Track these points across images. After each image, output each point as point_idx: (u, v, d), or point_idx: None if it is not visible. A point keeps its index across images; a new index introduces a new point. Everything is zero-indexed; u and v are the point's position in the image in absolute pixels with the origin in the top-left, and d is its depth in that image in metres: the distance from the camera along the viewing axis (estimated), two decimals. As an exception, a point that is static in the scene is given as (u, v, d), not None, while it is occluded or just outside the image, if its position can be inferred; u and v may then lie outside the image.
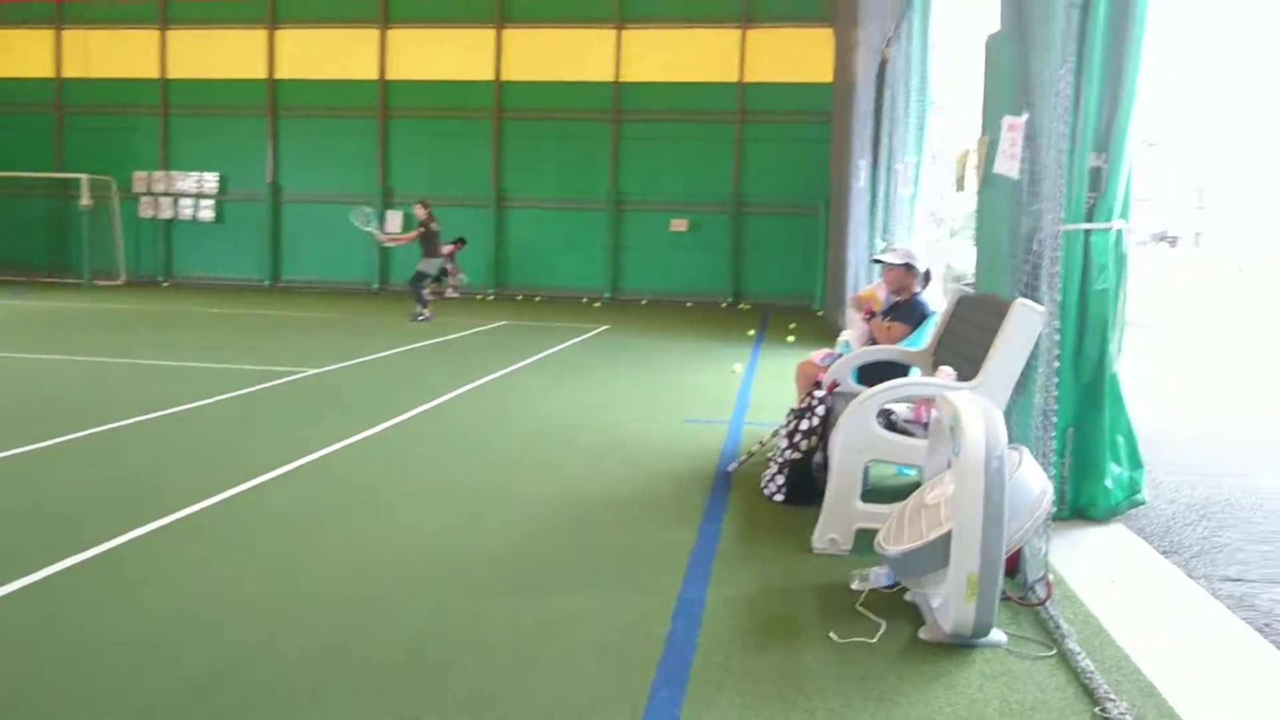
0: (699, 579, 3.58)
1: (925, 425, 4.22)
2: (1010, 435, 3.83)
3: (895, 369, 5.17)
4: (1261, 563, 4.03)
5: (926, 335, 5.19)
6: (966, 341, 4.37)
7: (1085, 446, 4.30)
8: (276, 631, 3.03)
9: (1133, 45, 4.00)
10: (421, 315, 14.13)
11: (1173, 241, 47.18)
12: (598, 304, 19.54)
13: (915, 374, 5.10)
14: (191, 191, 22.66)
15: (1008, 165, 4.19)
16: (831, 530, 3.85)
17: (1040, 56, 4.10)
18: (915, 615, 3.22)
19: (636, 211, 21.34)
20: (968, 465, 2.85)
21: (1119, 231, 4.27)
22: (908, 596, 3.33)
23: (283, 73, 22.12)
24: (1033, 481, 3.05)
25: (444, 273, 18.93)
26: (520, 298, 20.59)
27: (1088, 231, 4.19)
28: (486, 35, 21.42)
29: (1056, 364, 3.59)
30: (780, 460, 4.62)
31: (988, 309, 4.23)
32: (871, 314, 5.43)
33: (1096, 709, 2.58)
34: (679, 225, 21.12)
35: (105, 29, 22.46)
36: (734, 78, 20.75)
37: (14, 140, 22.51)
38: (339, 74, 21.84)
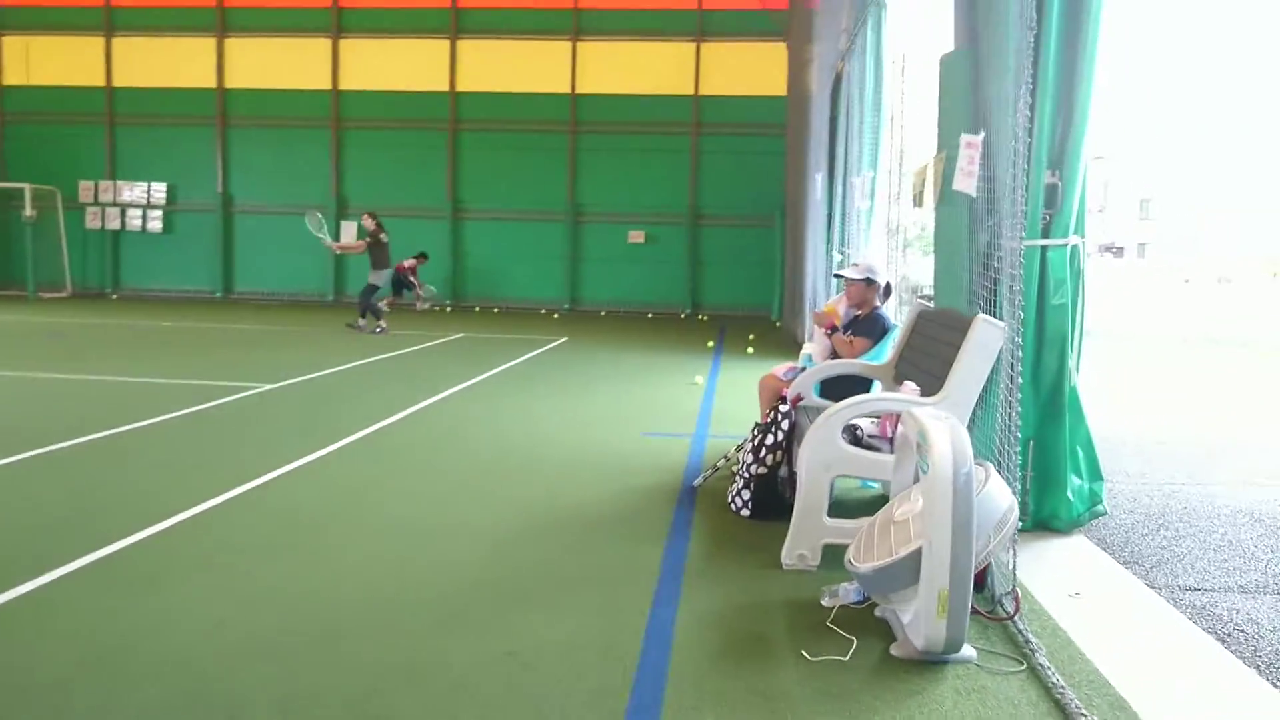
0: (668, 599, 3.56)
1: (891, 440, 4.24)
2: (973, 450, 3.88)
3: (858, 383, 5.21)
4: (1219, 572, 4.10)
5: (888, 349, 5.23)
6: (928, 356, 4.41)
7: (1046, 459, 4.36)
8: (201, 688, 2.74)
9: (1085, 65, 4.08)
10: (361, 325, 13.99)
11: (1118, 252, 48.33)
12: (556, 315, 19.48)
13: (877, 388, 5.14)
14: (140, 202, 22.22)
15: (966, 183, 4.24)
16: (800, 546, 3.85)
17: (995, 76, 4.16)
18: (886, 631, 3.23)
19: (594, 223, 21.34)
20: (936, 483, 2.87)
21: (1075, 247, 4.34)
22: (878, 612, 3.34)
23: (233, 82, 21.81)
24: (999, 497, 3.07)
25: (408, 286, 18.97)
26: (478, 309, 20.46)
27: (1044, 247, 4.25)
28: (441, 46, 21.31)
29: (1019, 379, 3.63)
30: (746, 475, 4.62)
31: (948, 324, 4.27)
32: (834, 329, 5.46)
33: (1068, 724, 2.60)
34: (637, 237, 21.17)
35: (48, 35, 21.96)
36: (690, 90, 20.87)
37: (-47, 150, 21.95)
38: (290, 84, 21.59)
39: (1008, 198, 3.83)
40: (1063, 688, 2.76)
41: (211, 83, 21.77)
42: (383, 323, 14.09)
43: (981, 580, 3.47)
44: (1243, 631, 3.42)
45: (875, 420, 4.41)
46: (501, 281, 21.50)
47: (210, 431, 6.52)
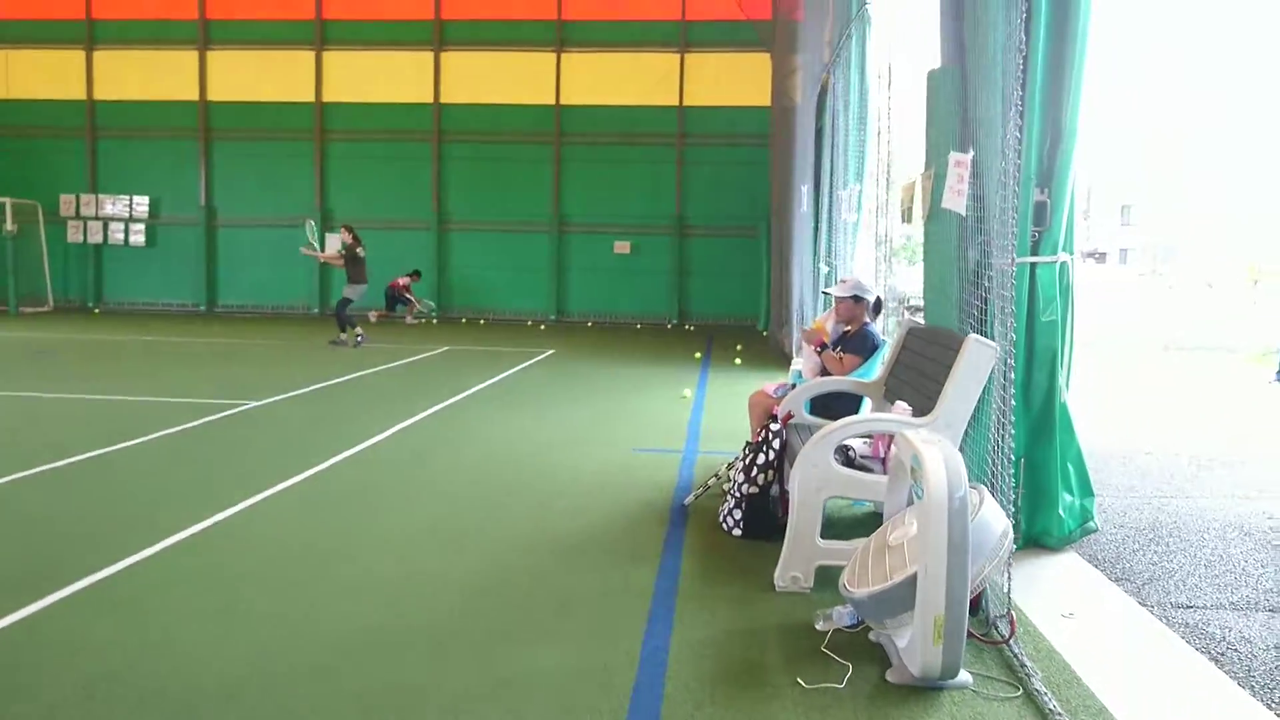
0: (662, 623, 3.53)
1: (883, 460, 4.23)
2: (967, 472, 3.87)
3: (848, 400, 5.21)
4: (1210, 588, 4.11)
5: (877, 366, 5.23)
6: (919, 374, 4.41)
7: (1037, 476, 4.36)
8: None
9: (1071, 82, 4.10)
10: (342, 340, 13.94)
11: (1100, 258, 48.67)
12: (543, 327, 19.44)
13: (867, 405, 5.14)
14: (122, 215, 22.07)
15: (955, 201, 4.24)
16: (793, 568, 3.83)
17: (983, 94, 4.17)
18: (881, 656, 3.21)
19: (580, 234, 21.33)
20: (931, 509, 2.85)
21: (1064, 264, 4.35)
22: (872, 636, 3.32)
23: (216, 94, 21.71)
24: (994, 522, 3.06)
25: (403, 301, 19.19)
26: (464, 320, 20.40)
27: (1033, 265, 4.26)
28: (424, 58, 21.28)
29: (1011, 399, 3.63)
30: (738, 495, 4.60)
31: (939, 342, 4.27)
32: (823, 345, 5.45)
33: (1066, 752, 2.58)
34: (622, 247, 21.17)
35: (28, 48, 21.81)
36: (674, 101, 20.90)
37: (-68, 164, 21.76)
38: (273, 96, 21.51)
39: (997, 216, 3.83)
40: (1059, 714, 2.75)
41: (194, 95, 21.66)
42: (360, 331, 14.08)
43: (976, 603, 3.46)
44: (1236, 651, 3.42)
45: (867, 441, 4.40)
46: (487, 293, 21.46)
47: (195, 453, 6.45)
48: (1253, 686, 3.12)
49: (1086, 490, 4.52)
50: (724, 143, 20.77)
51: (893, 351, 4.93)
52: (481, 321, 20.29)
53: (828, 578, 3.84)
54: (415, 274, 19.83)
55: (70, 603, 3.62)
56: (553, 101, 21.12)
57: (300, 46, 21.40)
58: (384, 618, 3.56)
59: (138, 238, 22.08)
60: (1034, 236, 4.27)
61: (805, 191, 11.35)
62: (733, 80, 20.64)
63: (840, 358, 5.32)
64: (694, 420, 8.14)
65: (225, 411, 7.90)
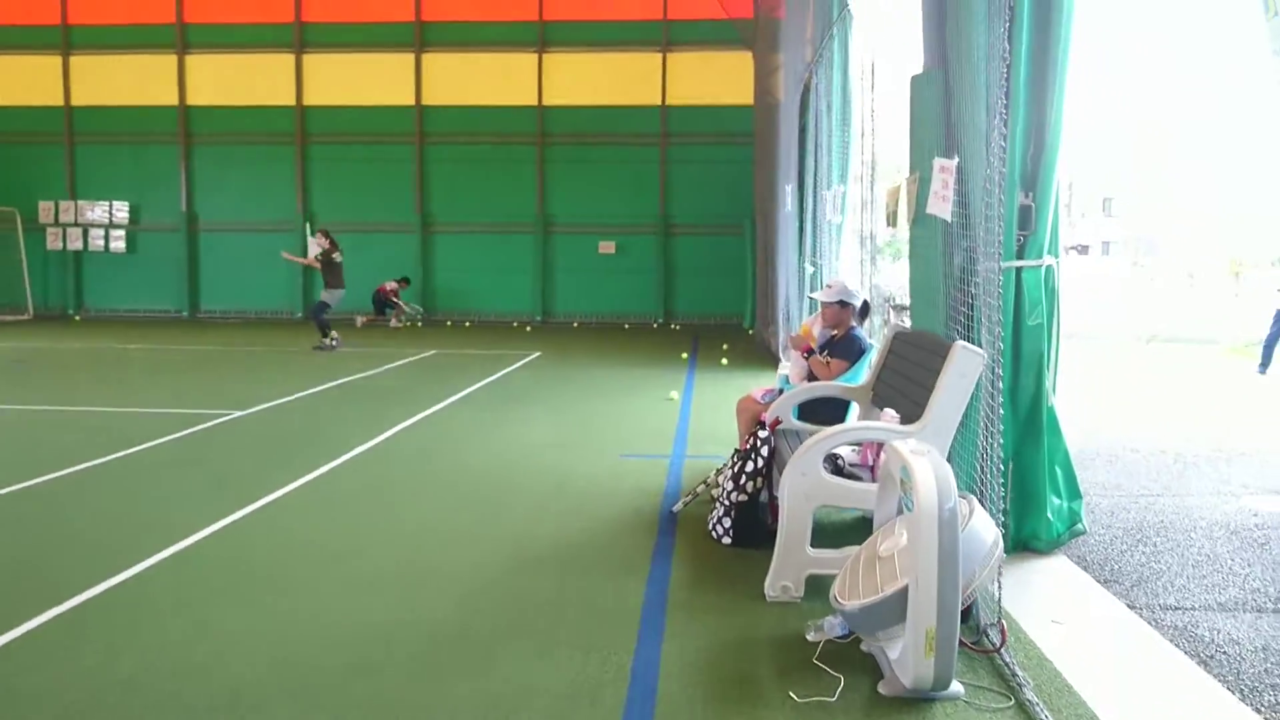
0: (652, 636, 3.51)
1: (872, 468, 4.23)
2: (956, 479, 3.87)
3: (835, 404, 5.20)
4: (1198, 589, 4.12)
5: (864, 370, 5.23)
6: (906, 379, 4.41)
7: (1025, 480, 4.37)
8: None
9: (1055, 85, 4.10)
10: (326, 344, 13.89)
11: (1083, 250, 48.94)
12: (529, 329, 19.40)
13: (854, 410, 5.13)
14: (102, 221, 21.90)
15: (941, 207, 4.24)
16: (783, 578, 3.82)
17: (966, 100, 4.17)
18: (872, 667, 3.20)
19: (564, 234, 21.30)
20: (921, 521, 2.85)
21: (1049, 267, 4.36)
22: (864, 646, 3.31)
23: (195, 99, 21.56)
24: (984, 532, 3.06)
25: (390, 305, 19.24)
26: (450, 323, 20.33)
27: (1019, 269, 4.27)
28: (405, 60, 21.19)
29: (1000, 405, 3.62)
30: (727, 503, 4.59)
31: (926, 347, 4.26)
32: (810, 351, 5.45)
33: (1059, 764, 2.58)
34: (607, 247, 21.15)
35: (2, 55, 21.59)
36: (657, 100, 20.89)
37: (-93, 172, 21.53)
38: (254, 100, 21.38)
39: (983, 221, 3.83)
40: (1052, 725, 2.75)
41: (173, 100, 21.50)
42: (334, 334, 14.01)
43: (967, 611, 3.45)
44: (1224, 653, 3.43)
45: (856, 448, 4.40)
46: (472, 295, 21.40)
47: (180, 465, 6.39)
48: (1241, 690, 3.13)
49: (1074, 492, 4.54)
50: (707, 141, 20.77)
51: (880, 356, 4.93)
52: (467, 324, 20.23)
53: (818, 586, 3.83)
54: (404, 281, 19.94)
55: (52, 627, 3.57)
56: (535, 102, 21.08)
57: (280, 50, 21.27)
58: (371, 637, 3.52)
59: (118, 244, 21.92)
60: (1019, 240, 4.27)
61: (790, 191, 11.35)
62: (715, 79, 20.64)
63: (827, 362, 5.32)
64: (681, 423, 8.13)
65: (210, 422, 7.83)
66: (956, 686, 2.98)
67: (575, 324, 20.83)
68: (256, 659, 3.29)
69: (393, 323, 19.38)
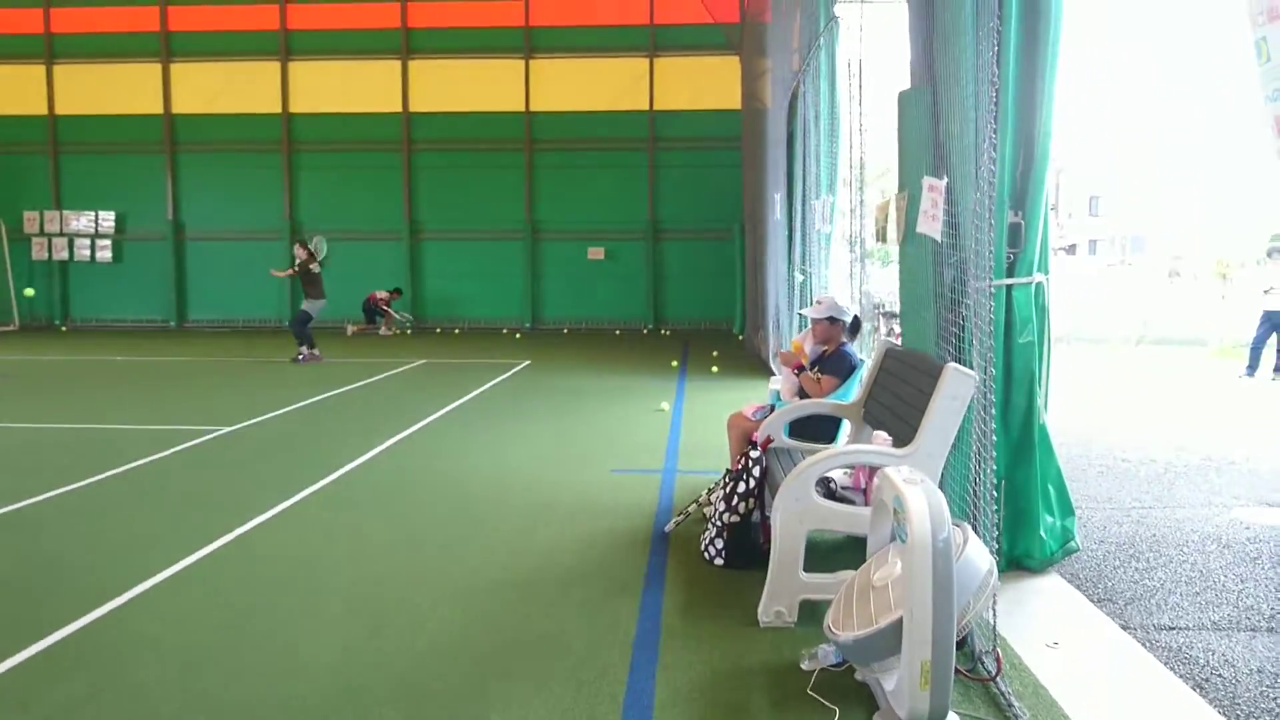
0: (646, 666, 3.48)
1: (864, 491, 4.21)
2: (942, 489, 3.85)
3: (827, 421, 5.18)
4: (1192, 607, 4.12)
5: (855, 387, 5.21)
6: (897, 398, 4.39)
7: (1018, 499, 4.35)
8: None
9: (1043, 103, 4.09)
10: (301, 355, 13.77)
11: (1070, 249, 49.09)
12: (518, 335, 19.36)
13: (845, 428, 5.11)
14: (88, 231, 21.77)
15: (930, 226, 4.22)
16: (776, 603, 3.79)
17: (954, 118, 4.15)
18: (867, 697, 3.18)
19: (553, 240, 21.26)
20: (915, 552, 2.82)
21: (1039, 284, 4.35)
22: (858, 675, 3.29)
23: (180, 107, 21.46)
24: (979, 561, 3.04)
25: (380, 313, 19.23)
26: (439, 330, 20.28)
27: (1009, 287, 4.25)
28: (392, 66, 21.14)
29: (992, 425, 3.61)
30: (719, 524, 4.56)
31: (918, 367, 4.25)
32: (801, 368, 5.43)
33: (1056, 800, 2.56)
34: (596, 253, 21.13)
35: (-14, 65, 21.49)
36: (644, 105, 20.88)
37: (-111, 184, 21.37)
38: (239, 108, 21.29)
39: (973, 245, 3.81)
40: (1049, 758, 2.73)
41: (158, 109, 21.40)
42: (304, 349, 13.81)
43: (962, 640, 3.43)
44: (1220, 676, 3.42)
45: (848, 471, 4.38)
46: (461, 302, 21.35)
47: (166, 487, 6.31)
48: (1238, 716, 3.12)
49: (1067, 510, 4.53)
50: (695, 146, 20.78)
51: (870, 373, 4.91)
52: (456, 331, 20.18)
53: (812, 611, 3.81)
54: (396, 292, 20.00)
55: (34, 664, 3.52)
56: (523, 108, 21.04)
57: (265, 57, 21.20)
58: (355, 670, 3.47)
59: (104, 254, 21.80)
60: (1009, 258, 4.26)
61: (779, 199, 11.34)
62: (703, 84, 20.65)
63: (818, 379, 5.30)
64: (672, 436, 8.10)
65: (195, 440, 7.76)
66: (953, 717, 2.96)
67: (565, 330, 20.80)
68: (234, 695, 3.25)
69: (382, 330, 19.37)
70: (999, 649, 3.28)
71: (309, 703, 3.20)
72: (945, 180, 4.14)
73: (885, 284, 13.36)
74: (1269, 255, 12.82)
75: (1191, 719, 3.11)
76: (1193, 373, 13.51)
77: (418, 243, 21.42)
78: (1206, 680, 3.39)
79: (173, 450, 7.36)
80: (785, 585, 3.79)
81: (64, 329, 21.07)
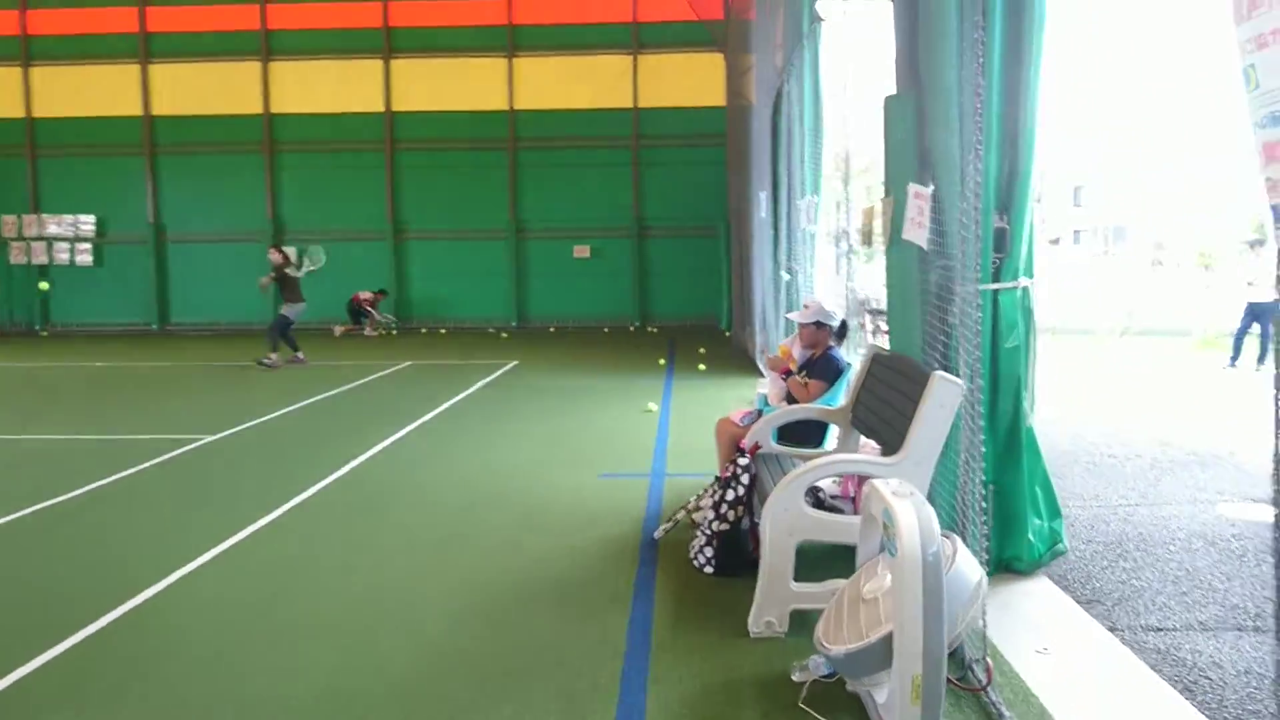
0: (636, 679, 3.47)
1: (853, 500, 4.21)
2: (931, 496, 3.86)
3: (814, 427, 5.18)
4: (1179, 607, 4.14)
5: (843, 391, 5.21)
6: (885, 404, 4.39)
7: (1006, 502, 4.36)
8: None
9: (1028, 108, 4.09)
10: (269, 359, 13.60)
11: (1055, 242, 49.31)
12: (505, 335, 19.31)
13: (833, 433, 5.11)
14: (67, 235, 21.59)
15: (916, 233, 4.22)
16: (767, 614, 3.79)
17: (939, 124, 4.15)
18: (858, 709, 3.18)
19: (538, 239, 21.21)
20: (905, 566, 2.82)
21: (1025, 289, 4.36)
22: (849, 687, 3.29)
23: (160, 109, 21.29)
24: (969, 573, 3.04)
25: (365, 314, 19.18)
26: (425, 330, 20.21)
27: (995, 291, 4.26)
28: (374, 66, 21.02)
29: (980, 431, 3.61)
30: (708, 532, 4.55)
31: (905, 373, 4.25)
32: (788, 372, 5.43)
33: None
34: (582, 251, 21.10)
35: (-39, 68, 21.24)
36: (628, 103, 20.84)
37: None
38: (219, 109, 21.14)
39: (959, 251, 3.81)
40: (1041, 770, 2.74)
41: (137, 110, 21.22)
42: (274, 356, 13.59)
43: (953, 651, 3.44)
44: (1208, 678, 3.44)
45: (836, 480, 4.38)
46: (447, 301, 21.29)
47: (146, 500, 6.23)
48: (1225, 718, 3.14)
49: (1054, 511, 4.54)
50: (680, 143, 20.76)
51: (858, 378, 4.91)
52: (442, 331, 20.12)
53: (802, 621, 3.81)
54: (381, 293, 19.95)
55: (11, 694, 3.48)
56: (506, 107, 20.96)
57: (246, 57, 21.04)
58: (340, 691, 3.44)
59: (84, 257, 21.62)
60: (995, 263, 4.26)
61: (764, 198, 11.34)
62: (687, 81, 20.63)
63: (805, 384, 5.30)
64: (660, 438, 8.09)
65: (177, 450, 7.70)
66: (944, 730, 2.97)
67: (552, 329, 20.76)
68: (235, 697, 3.22)
69: (367, 331, 19.31)
70: (989, 659, 3.28)
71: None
72: (932, 188, 4.13)
73: (871, 280, 13.38)
74: (1251, 247, 12.90)
75: (1180, 725, 3.12)
76: (1177, 364, 13.60)
77: (402, 243, 21.34)
78: (1195, 683, 3.41)
79: (155, 460, 7.30)
80: (776, 596, 3.79)
81: (44, 334, 20.89)
